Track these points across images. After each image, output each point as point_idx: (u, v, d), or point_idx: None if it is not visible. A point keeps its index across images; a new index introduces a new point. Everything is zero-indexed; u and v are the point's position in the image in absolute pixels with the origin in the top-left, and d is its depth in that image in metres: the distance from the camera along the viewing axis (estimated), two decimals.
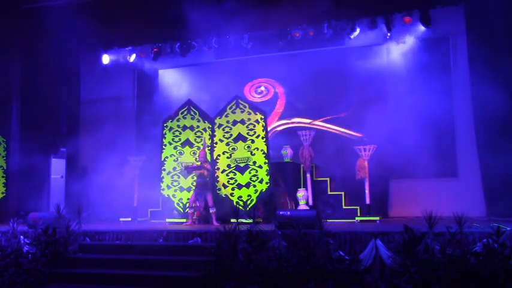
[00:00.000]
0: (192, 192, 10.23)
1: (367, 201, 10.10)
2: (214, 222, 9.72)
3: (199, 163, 10.12)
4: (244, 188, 10.02)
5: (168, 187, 10.70)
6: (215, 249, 6.86)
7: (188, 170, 10.24)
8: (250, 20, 10.65)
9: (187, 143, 10.80)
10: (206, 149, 10.33)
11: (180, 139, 10.86)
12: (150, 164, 11.73)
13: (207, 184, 9.97)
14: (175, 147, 10.84)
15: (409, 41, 11.49)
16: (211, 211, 9.83)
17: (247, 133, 10.21)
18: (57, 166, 12.96)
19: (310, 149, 10.72)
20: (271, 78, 13.15)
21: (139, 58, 12.99)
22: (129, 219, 11.52)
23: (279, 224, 7.60)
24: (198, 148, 10.64)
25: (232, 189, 10.10)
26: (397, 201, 11.26)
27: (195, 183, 10.15)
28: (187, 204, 10.41)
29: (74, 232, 8.29)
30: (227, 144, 10.32)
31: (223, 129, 10.43)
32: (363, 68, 11.93)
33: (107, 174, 11.75)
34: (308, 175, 10.63)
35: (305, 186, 10.68)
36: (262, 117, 10.24)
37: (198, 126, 10.83)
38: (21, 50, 12.30)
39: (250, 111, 10.34)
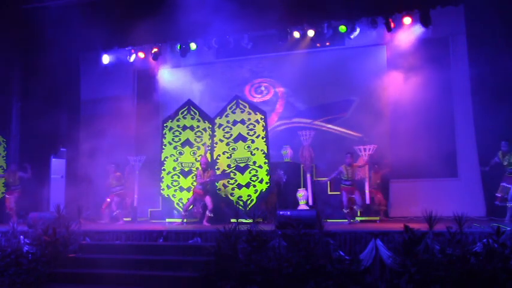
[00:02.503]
0: (192, 192, 10.22)
1: (367, 201, 10.10)
2: (205, 222, 9.71)
3: (200, 167, 10.10)
4: (244, 188, 10.02)
5: (168, 187, 10.70)
6: (215, 249, 6.86)
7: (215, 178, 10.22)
8: (250, 20, 10.66)
9: (187, 143, 10.80)
10: (207, 154, 10.28)
11: (180, 139, 10.86)
12: (150, 164, 11.74)
13: (207, 191, 9.97)
14: (175, 147, 10.84)
15: (409, 41, 11.48)
16: (207, 213, 9.79)
17: (248, 133, 10.21)
18: (57, 166, 12.95)
19: (310, 149, 10.72)
20: (271, 78, 13.15)
21: (139, 58, 12.98)
22: (129, 219, 11.52)
23: (279, 224, 7.60)
24: (198, 148, 10.64)
25: (232, 189, 10.10)
26: (397, 201, 11.25)
27: (193, 188, 10.14)
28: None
29: (74, 232, 8.29)
30: (227, 144, 10.32)
31: (223, 129, 10.43)
32: (363, 68, 11.92)
33: (107, 174, 11.77)
34: (308, 175, 10.63)
35: (305, 186, 10.68)
36: (263, 117, 10.24)
37: (198, 126, 10.83)
38: (21, 50, 12.30)
39: (250, 111, 10.34)
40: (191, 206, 10.19)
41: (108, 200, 11.27)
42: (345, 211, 9.59)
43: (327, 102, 12.46)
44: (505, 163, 8.97)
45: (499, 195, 8.95)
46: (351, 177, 9.66)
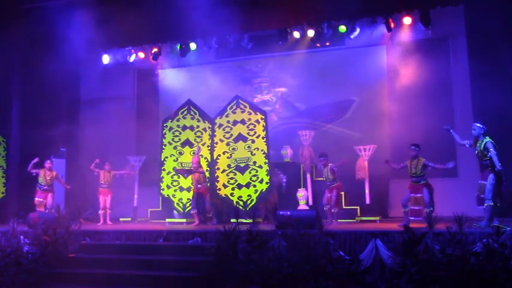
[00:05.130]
0: (192, 192, 10.24)
1: (367, 201, 10.10)
2: (208, 223, 9.80)
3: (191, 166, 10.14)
4: (244, 188, 10.02)
5: (168, 187, 10.70)
6: (215, 249, 6.86)
7: (177, 171, 10.29)
8: (250, 20, 10.65)
9: (187, 143, 10.80)
10: (199, 156, 10.29)
11: (180, 139, 10.86)
12: (150, 164, 11.74)
13: (205, 188, 9.99)
14: (175, 147, 10.84)
15: (409, 41, 11.47)
16: (207, 215, 9.88)
17: (248, 133, 10.21)
18: (57, 166, 12.94)
19: (310, 149, 10.73)
20: (271, 78, 13.14)
21: (139, 58, 12.97)
22: (129, 219, 11.53)
23: (279, 224, 7.60)
24: (198, 148, 10.64)
25: (232, 189, 10.10)
26: (397, 201, 11.21)
27: (194, 189, 10.13)
28: (188, 204, 10.44)
29: (74, 232, 8.29)
30: (227, 144, 10.31)
31: (223, 129, 10.43)
32: (363, 68, 11.92)
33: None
34: (308, 175, 10.64)
35: (305, 186, 10.68)
36: (263, 117, 10.24)
37: (198, 126, 10.83)
38: (20, 50, 12.29)
39: (250, 111, 10.34)
40: (189, 208, 10.25)
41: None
42: (403, 210, 8.55)
43: (327, 102, 12.45)
44: (476, 152, 7.55)
45: (476, 194, 7.61)
46: (414, 172, 8.50)
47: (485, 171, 7.53)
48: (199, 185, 9.92)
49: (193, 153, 10.52)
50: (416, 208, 8.50)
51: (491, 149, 7.31)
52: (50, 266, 7.69)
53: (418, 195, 8.50)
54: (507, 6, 9.48)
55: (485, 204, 7.34)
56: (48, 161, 10.66)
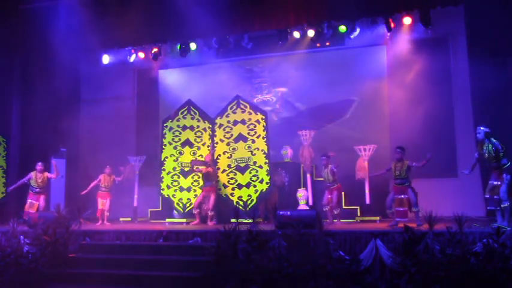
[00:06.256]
0: (192, 192, 10.24)
1: (367, 201, 10.10)
2: (209, 222, 9.81)
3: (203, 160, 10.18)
4: (244, 188, 10.01)
5: (168, 187, 10.70)
6: (215, 249, 6.87)
7: (193, 163, 10.26)
8: (250, 20, 10.65)
9: (187, 143, 10.80)
10: (211, 154, 10.31)
11: (180, 139, 10.86)
12: (150, 164, 11.74)
13: (213, 187, 9.99)
14: (175, 147, 10.84)
15: (409, 41, 11.47)
16: (210, 213, 9.87)
17: (248, 133, 10.21)
18: (57, 166, 12.94)
19: (310, 149, 10.74)
20: (271, 78, 13.14)
21: (139, 58, 12.97)
22: (129, 219, 11.53)
23: (279, 224, 7.60)
24: (198, 148, 10.66)
25: (233, 189, 10.10)
26: None
27: (201, 186, 10.14)
28: (188, 204, 10.44)
29: (74, 232, 8.29)
30: (228, 144, 10.31)
31: (223, 129, 10.43)
32: (363, 68, 11.92)
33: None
34: (308, 175, 10.64)
35: (305, 186, 10.68)
36: (263, 117, 10.24)
37: (198, 126, 10.83)
38: (21, 50, 12.29)
39: (251, 111, 10.34)
40: (189, 208, 10.24)
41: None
42: (388, 212, 8.66)
43: (327, 102, 12.45)
44: (486, 156, 7.58)
45: (488, 196, 7.59)
46: (399, 174, 8.59)
47: (494, 173, 7.60)
48: (207, 183, 9.92)
49: (199, 147, 10.54)
50: (402, 209, 8.48)
51: (501, 152, 7.46)
52: (50, 266, 7.70)
53: (403, 196, 8.53)
54: (507, 6, 9.48)
55: (503, 206, 7.36)
56: (40, 163, 10.61)
